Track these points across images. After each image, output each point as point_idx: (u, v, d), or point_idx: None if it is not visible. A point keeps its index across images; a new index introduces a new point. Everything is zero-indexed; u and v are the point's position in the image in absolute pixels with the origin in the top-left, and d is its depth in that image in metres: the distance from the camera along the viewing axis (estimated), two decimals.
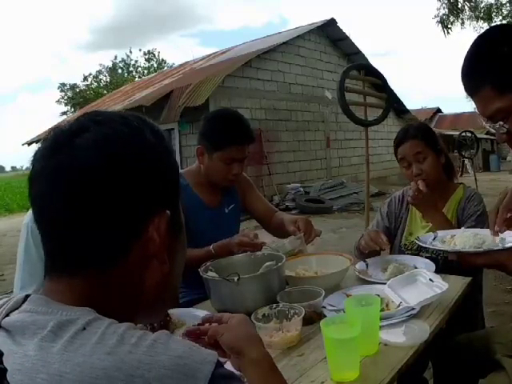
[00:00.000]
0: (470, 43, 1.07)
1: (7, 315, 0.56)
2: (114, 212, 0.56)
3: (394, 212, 2.11)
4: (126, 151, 0.57)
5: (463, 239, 1.38)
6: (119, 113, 0.62)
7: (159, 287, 0.63)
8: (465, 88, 1.07)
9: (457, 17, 9.78)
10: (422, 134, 1.98)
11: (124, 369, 0.48)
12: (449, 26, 9.60)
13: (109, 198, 0.55)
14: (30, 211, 1.61)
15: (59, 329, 0.51)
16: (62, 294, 0.57)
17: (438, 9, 9.72)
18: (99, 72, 36.69)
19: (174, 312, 1.48)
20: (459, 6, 9.60)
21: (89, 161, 0.55)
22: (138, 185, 0.57)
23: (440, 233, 1.61)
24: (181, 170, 2.10)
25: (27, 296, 0.59)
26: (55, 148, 0.57)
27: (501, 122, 1.03)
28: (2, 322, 0.55)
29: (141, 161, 0.58)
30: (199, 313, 1.49)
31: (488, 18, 10.62)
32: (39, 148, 0.58)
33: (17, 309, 0.57)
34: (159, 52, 41.68)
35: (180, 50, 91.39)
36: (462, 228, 1.49)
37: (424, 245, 1.54)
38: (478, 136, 12.86)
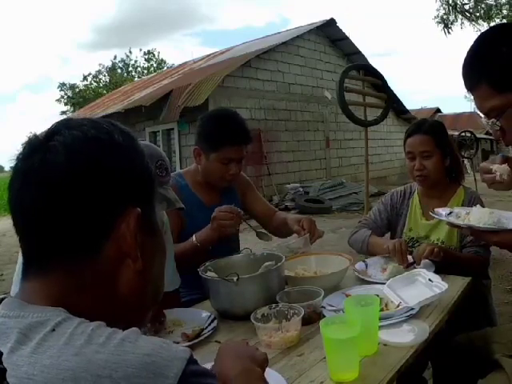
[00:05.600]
0: (470, 43, 1.09)
1: None
2: (83, 210, 0.57)
3: (395, 206, 2.12)
4: (93, 150, 0.59)
5: (478, 215, 1.36)
6: (90, 118, 0.65)
7: (134, 286, 0.62)
8: (464, 83, 1.10)
9: (457, 16, 9.81)
10: (435, 132, 1.99)
11: (91, 369, 0.48)
12: (449, 25, 9.63)
13: (77, 196, 0.57)
14: None
15: (29, 331, 0.52)
16: (36, 293, 0.57)
17: (438, 9, 9.75)
18: (99, 72, 36.71)
19: (175, 311, 1.48)
20: (458, 6, 9.62)
21: (59, 161, 0.57)
22: (106, 183, 0.59)
23: (456, 209, 1.59)
24: (180, 170, 2.10)
25: (1, 299, 0.59)
26: (29, 151, 0.59)
27: (494, 120, 1.06)
28: None
29: (108, 159, 0.60)
30: (199, 313, 1.49)
31: (488, 18, 10.63)
32: (17, 154, 0.61)
33: None
34: (159, 52, 41.76)
35: (182, 50, 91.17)
36: (478, 205, 1.46)
37: (439, 217, 1.51)
38: (478, 136, 12.84)
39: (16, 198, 0.59)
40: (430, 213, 1.58)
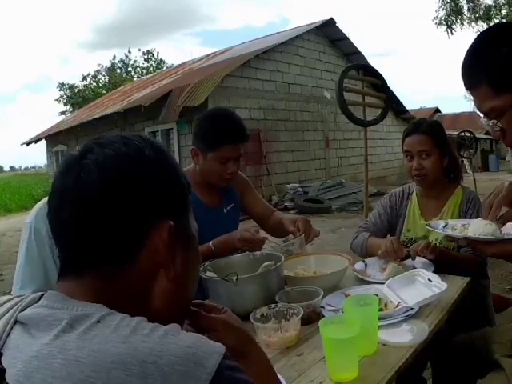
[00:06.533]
0: (470, 43, 1.08)
1: (23, 310, 0.60)
2: (116, 224, 0.60)
3: (394, 207, 2.12)
4: (124, 167, 0.62)
5: (475, 227, 1.36)
6: (121, 134, 0.68)
7: (167, 296, 0.65)
8: (464, 83, 1.09)
9: (457, 17, 9.84)
10: (433, 131, 1.99)
11: (137, 355, 0.50)
12: (452, 26, 9.66)
13: (110, 211, 0.60)
14: (33, 211, 1.61)
15: (75, 322, 0.55)
16: (72, 293, 0.60)
17: (437, 10, 9.77)
18: (98, 72, 36.72)
19: None
20: (459, 6, 9.65)
21: (91, 179, 0.60)
22: (138, 197, 0.62)
23: (450, 221, 1.59)
24: None
25: (42, 295, 0.62)
26: (65, 170, 0.63)
27: (494, 121, 1.05)
28: (19, 316, 0.59)
29: (139, 174, 0.63)
30: None
31: (487, 18, 10.65)
32: (56, 170, 0.65)
33: (33, 305, 0.61)
34: (158, 52, 41.91)
35: (182, 50, 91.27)
36: (479, 218, 1.47)
37: (435, 230, 1.52)
38: (477, 136, 12.81)
39: (54, 214, 0.63)
40: (427, 226, 1.58)
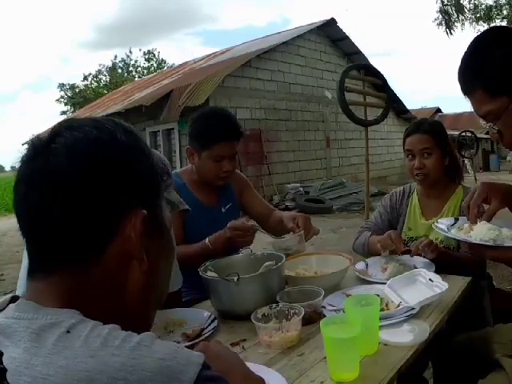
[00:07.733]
0: (469, 44, 1.09)
1: None
2: (87, 211, 0.57)
3: (395, 206, 2.13)
4: (95, 152, 0.59)
5: (478, 230, 1.37)
6: (92, 118, 0.64)
7: (141, 288, 0.63)
8: (460, 88, 1.10)
9: (458, 18, 9.88)
10: (434, 130, 2.00)
11: (107, 371, 0.48)
12: (451, 26, 9.69)
13: (81, 197, 0.57)
14: None
15: (43, 331, 0.52)
16: (42, 294, 0.57)
17: (438, 11, 9.80)
18: (99, 72, 36.75)
19: (175, 311, 1.48)
20: (458, 6, 9.67)
21: (61, 163, 0.57)
22: (109, 183, 0.58)
23: (461, 219, 1.59)
24: (178, 170, 2.11)
25: (13, 297, 0.59)
26: (33, 154, 0.59)
27: (491, 123, 1.06)
28: None
29: (111, 159, 0.59)
30: (199, 312, 1.49)
31: (488, 18, 10.65)
32: (21, 156, 0.61)
33: (2, 310, 0.58)
34: (159, 52, 41.93)
35: (184, 50, 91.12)
36: (483, 222, 1.47)
37: (439, 230, 1.51)
38: (478, 136, 12.83)
39: (21, 201, 0.60)
40: (433, 226, 1.57)
